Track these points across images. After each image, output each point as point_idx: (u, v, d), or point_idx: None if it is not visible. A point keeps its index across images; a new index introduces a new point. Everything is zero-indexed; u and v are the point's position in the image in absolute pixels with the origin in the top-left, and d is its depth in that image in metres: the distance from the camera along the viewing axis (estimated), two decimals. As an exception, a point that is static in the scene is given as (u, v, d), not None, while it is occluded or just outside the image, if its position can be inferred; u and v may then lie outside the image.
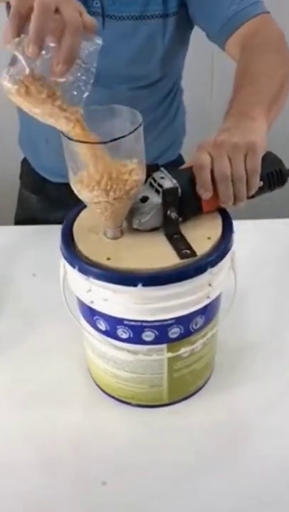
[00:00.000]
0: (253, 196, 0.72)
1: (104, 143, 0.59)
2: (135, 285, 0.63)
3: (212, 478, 0.70)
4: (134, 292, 0.63)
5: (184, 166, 0.72)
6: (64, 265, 0.70)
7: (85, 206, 0.72)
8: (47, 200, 1.24)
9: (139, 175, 0.64)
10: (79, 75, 0.58)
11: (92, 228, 0.71)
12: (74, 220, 0.73)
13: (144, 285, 0.63)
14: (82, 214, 0.73)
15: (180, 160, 1.25)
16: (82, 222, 0.72)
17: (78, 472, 0.71)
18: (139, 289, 0.63)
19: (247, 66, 0.85)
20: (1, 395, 0.81)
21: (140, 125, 0.60)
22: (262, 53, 0.87)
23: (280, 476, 0.70)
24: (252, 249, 1.03)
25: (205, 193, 0.68)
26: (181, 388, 0.78)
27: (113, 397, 0.79)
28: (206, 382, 0.82)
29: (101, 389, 0.81)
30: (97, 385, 0.82)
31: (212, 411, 0.78)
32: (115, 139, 0.59)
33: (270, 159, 0.72)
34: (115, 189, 0.63)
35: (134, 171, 0.63)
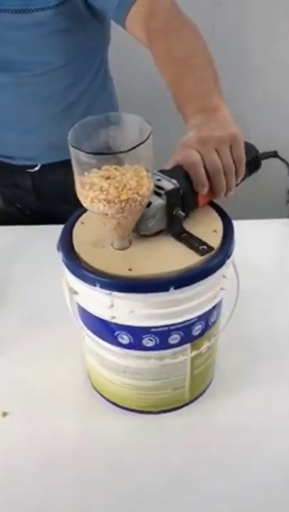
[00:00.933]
0: (237, 184, 0.74)
1: (118, 153, 0.57)
2: (167, 289, 0.62)
3: (214, 480, 0.70)
4: (166, 297, 0.62)
5: (169, 165, 0.72)
6: (68, 285, 0.67)
7: (71, 223, 0.70)
8: None
9: (150, 183, 0.63)
10: None
11: (95, 242, 0.68)
12: (69, 239, 0.69)
13: (176, 288, 0.62)
14: (76, 231, 0.70)
15: None
16: (81, 239, 0.69)
17: (77, 472, 0.71)
18: (171, 293, 0.62)
19: (169, 52, 0.85)
20: (2, 394, 0.80)
21: (150, 135, 0.59)
22: (172, 32, 0.86)
23: (282, 479, 0.70)
24: (254, 250, 1.04)
25: (203, 189, 0.69)
26: (199, 384, 0.78)
27: (134, 410, 0.77)
28: (210, 382, 0.82)
29: (100, 393, 0.79)
30: (95, 389, 0.80)
31: (213, 415, 0.78)
32: (134, 148, 0.57)
33: (247, 148, 0.74)
34: (131, 203, 0.61)
35: (145, 179, 0.62)
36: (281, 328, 0.90)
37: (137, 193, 0.61)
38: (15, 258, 1.06)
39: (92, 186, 0.60)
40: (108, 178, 0.60)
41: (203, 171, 0.68)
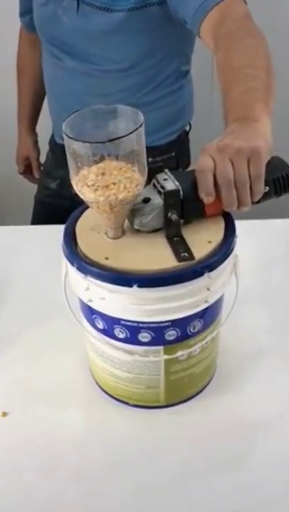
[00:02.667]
0: (258, 201, 0.71)
1: (103, 142, 0.58)
2: (130, 286, 0.62)
3: (212, 480, 0.69)
4: (130, 293, 0.63)
5: (189, 169, 0.71)
6: (66, 264, 0.70)
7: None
8: (55, 159, 1.34)
9: (140, 177, 0.63)
10: None
11: (94, 227, 0.70)
12: (78, 218, 0.72)
13: (139, 286, 0.62)
14: (87, 212, 0.73)
15: (182, 146, 1.27)
16: (86, 221, 0.72)
17: (77, 472, 0.71)
18: (135, 290, 0.62)
19: (227, 60, 0.83)
20: (2, 394, 0.81)
21: (141, 125, 0.59)
22: (236, 41, 0.84)
23: (282, 480, 0.69)
24: (255, 249, 1.02)
25: (206, 197, 0.67)
26: (178, 391, 0.77)
27: (112, 396, 0.79)
28: (206, 385, 0.81)
29: (101, 388, 0.80)
30: (97, 383, 0.81)
31: (213, 413, 0.77)
32: (115, 139, 0.58)
33: (276, 164, 0.71)
34: (116, 193, 0.62)
35: (135, 173, 0.63)
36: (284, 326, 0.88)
37: (124, 186, 0.62)
38: (15, 258, 1.05)
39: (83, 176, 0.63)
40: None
41: (210, 178, 0.66)
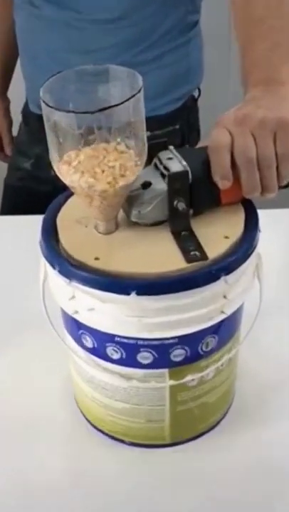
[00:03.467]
0: (287, 186, 0.71)
1: (91, 113, 0.58)
2: (128, 293, 0.62)
3: None
4: (127, 302, 0.63)
5: (199, 145, 0.71)
6: (45, 266, 0.70)
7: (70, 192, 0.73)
8: (29, 133, 1.34)
9: (139, 155, 0.63)
10: None
11: (81, 219, 0.70)
12: (59, 208, 0.72)
13: (138, 294, 0.62)
14: (71, 200, 0.73)
15: (189, 116, 1.26)
16: (70, 211, 0.72)
17: None
18: (133, 299, 0.62)
19: (245, 8, 0.83)
20: None
21: (140, 90, 0.60)
22: None
23: None
24: (284, 247, 1.02)
25: (221, 181, 0.67)
26: (187, 425, 0.77)
27: (103, 432, 0.79)
28: (222, 418, 0.81)
29: (89, 422, 0.81)
30: (84, 416, 0.81)
31: (230, 454, 0.78)
32: (107, 108, 0.58)
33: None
34: (108, 174, 0.62)
35: (132, 149, 0.63)
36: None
37: (120, 163, 0.62)
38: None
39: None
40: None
41: (226, 157, 0.66)
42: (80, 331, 0.70)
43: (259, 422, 0.81)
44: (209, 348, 0.70)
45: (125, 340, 0.67)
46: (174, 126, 1.25)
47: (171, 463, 0.77)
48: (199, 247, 0.65)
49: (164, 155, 0.69)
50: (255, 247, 0.68)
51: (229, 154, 0.67)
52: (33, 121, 1.30)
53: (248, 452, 0.78)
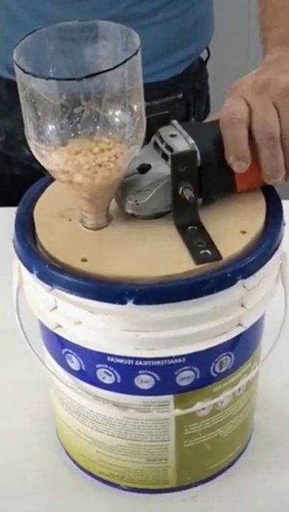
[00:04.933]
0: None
1: (78, 79, 0.58)
2: (123, 302, 0.62)
3: None
4: (122, 313, 0.63)
5: (209, 119, 0.72)
6: (19, 269, 0.70)
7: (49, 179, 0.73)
8: None
9: (135, 131, 0.64)
10: None
11: (64, 211, 0.71)
12: (37, 197, 0.73)
13: (136, 303, 0.62)
14: (52, 188, 0.73)
15: (195, 83, 1.26)
16: (50, 202, 0.72)
17: None
18: (129, 309, 0.63)
19: None
20: None
21: (137, 52, 0.60)
22: None
23: None
24: None
25: (237, 163, 0.68)
26: (196, 465, 0.78)
27: (93, 475, 0.79)
28: (238, 457, 0.82)
29: (75, 462, 0.81)
30: (68, 455, 0.82)
31: (249, 499, 0.78)
32: (96, 74, 0.58)
33: None
34: (97, 154, 0.62)
35: (127, 125, 0.63)
36: None
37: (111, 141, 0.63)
38: None
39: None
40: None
41: (243, 133, 0.67)
42: (64, 350, 0.70)
43: (283, 461, 0.82)
44: (223, 369, 0.71)
45: (120, 361, 0.67)
46: (177, 95, 1.25)
47: (178, 511, 0.77)
48: (211, 244, 0.66)
49: (165, 131, 0.69)
50: (278, 245, 0.69)
51: (246, 129, 0.67)
52: (4, 89, 1.30)
53: (270, 499, 0.78)
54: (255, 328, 0.72)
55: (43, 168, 0.66)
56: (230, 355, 0.70)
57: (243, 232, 0.67)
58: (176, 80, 1.25)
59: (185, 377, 0.69)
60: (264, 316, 0.74)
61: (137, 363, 0.67)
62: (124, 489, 0.78)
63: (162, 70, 1.22)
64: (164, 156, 0.68)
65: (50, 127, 0.63)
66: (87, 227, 0.69)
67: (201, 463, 0.78)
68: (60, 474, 0.81)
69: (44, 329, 0.73)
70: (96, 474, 0.79)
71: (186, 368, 0.68)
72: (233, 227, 0.68)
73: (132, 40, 0.61)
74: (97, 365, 0.69)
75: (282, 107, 0.67)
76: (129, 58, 0.60)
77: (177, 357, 0.67)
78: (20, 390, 0.87)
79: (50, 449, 0.83)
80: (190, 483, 0.79)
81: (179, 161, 0.66)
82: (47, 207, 0.72)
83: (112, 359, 0.68)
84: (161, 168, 0.68)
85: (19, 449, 0.83)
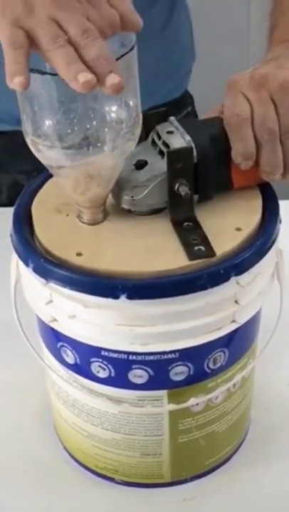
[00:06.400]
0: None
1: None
2: (117, 296, 0.63)
3: None
4: (116, 308, 0.63)
5: (206, 116, 0.72)
6: (17, 263, 0.70)
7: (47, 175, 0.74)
8: None
9: (131, 127, 0.64)
10: None
11: (60, 207, 0.71)
12: (35, 192, 0.73)
13: (130, 297, 0.62)
14: (50, 184, 0.74)
15: (187, 100, 1.26)
16: (47, 198, 0.73)
17: None
18: (124, 303, 0.63)
19: None
20: None
21: (133, 48, 0.60)
22: None
23: None
24: None
25: (245, 162, 0.68)
26: (191, 460, 0.78)
27: (89, 468, 0.80)
28: (234, 453, 0.82)
29: (71, 455, 0.81)
30: (65, 448, 0.82)
31: (244, 495, 0.78)
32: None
33: None
34: (94, 146, 0.63)
35: (124, 120, 0.63)
36: None
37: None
38: None
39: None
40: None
41: (250, 134, 0.67)
42: (60, 344, 0.71)
43: (279, 456, 0.82)
44: (218, 364, 0.71)
45: (114, 355, 0.68)
46: (187, 108, 1.25)
47: (172, 506, 0.77)
48: (205, 240, 0.66)
49: (163, 128, 0.69)
50: (274, 241, 0.69)
51: (250, 128, 0.67)
52: None
53: (266, 494, 0.78)
54: (251, 325, 0.72)
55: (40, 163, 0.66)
56: (224, 352, 0.70)
57: (239, 229, 0.68)
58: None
59: (178, 372, 0.69)
60: (260, 312, 0.74)
61: (130, 357, 0.67)
62: (118, 483, 0.78)
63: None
64: (161, 153, 0.68)
65: (47, 122, 0.63)
66: (83, 222, 0.69)
67: (196, 458, 0.78)
68: (58, 468, 0.82)
69: (40, 323, 0.73)
70: (92, 468, 0.80)
71: (179, 363, 0.68)
72: (229, 224, 0.68)
73: (128, 37, 0.61)
74: (92, 359, 0.69)
75: (279, 104, 0.67)
76: (125, 54, 0.60)
77: (170, 352, 0.67)
78: (17, 384, 0.87)
79: (48, 443, 0.84)
80: (185, 478, 0.79)
81: (175, 158, 0.67)
82: (45, 202, 0.72)
83: (106, 353, 0.68)
84: (158, 165, 0.68)
85: (17, 443, 0.83)
